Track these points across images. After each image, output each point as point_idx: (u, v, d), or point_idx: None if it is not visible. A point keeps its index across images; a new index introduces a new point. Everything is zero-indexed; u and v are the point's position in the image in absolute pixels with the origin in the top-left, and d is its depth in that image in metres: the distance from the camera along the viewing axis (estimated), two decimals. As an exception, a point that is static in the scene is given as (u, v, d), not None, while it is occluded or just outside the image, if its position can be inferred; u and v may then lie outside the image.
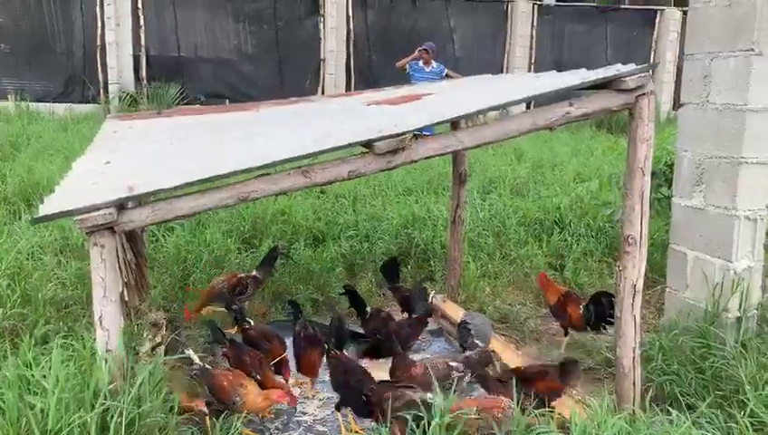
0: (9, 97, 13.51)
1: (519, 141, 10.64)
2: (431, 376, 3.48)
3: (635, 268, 3.35)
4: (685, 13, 17.06)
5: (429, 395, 3.11)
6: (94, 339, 2.89)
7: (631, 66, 3.18)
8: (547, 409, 3.31)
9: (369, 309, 4.38)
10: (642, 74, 3.11)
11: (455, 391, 3.37)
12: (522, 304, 5.37)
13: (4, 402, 2.75)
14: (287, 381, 3.78)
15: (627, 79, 3.11)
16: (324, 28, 15.62)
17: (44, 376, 2.85)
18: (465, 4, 16.57)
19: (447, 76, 9.95)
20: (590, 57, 16.22)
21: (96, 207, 2.66)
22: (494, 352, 4.15)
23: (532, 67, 16.86)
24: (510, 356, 4.23)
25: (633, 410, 3.31)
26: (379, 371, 3.80)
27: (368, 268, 5.77)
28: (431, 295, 4.91)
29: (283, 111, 4.96)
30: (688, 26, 4.36)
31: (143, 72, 14.66)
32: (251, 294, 4.73)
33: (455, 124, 4.19)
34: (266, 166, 2.88)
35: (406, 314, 4.69)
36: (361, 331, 4.36)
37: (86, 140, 9.53)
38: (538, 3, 17.31)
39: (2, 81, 13.90)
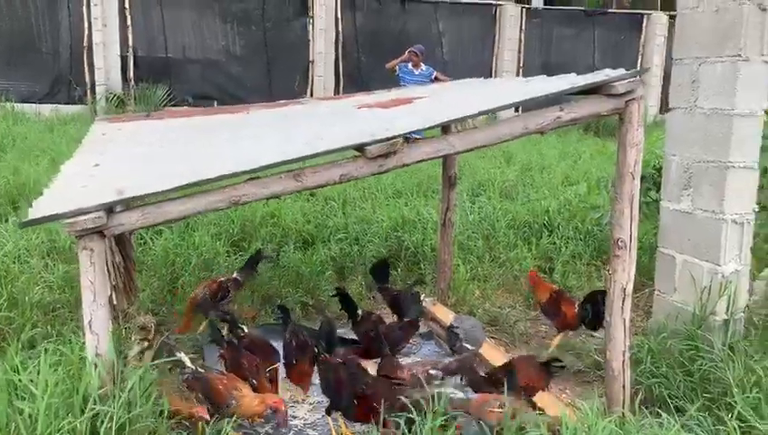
0: (-6, 98, 13.41)
1: (508, 144, 10.65)
2: (418, 379, 3.49)
3: (625, 271, 3.37)
4: (671, 17, 17.28)
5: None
6: (83, 343, 2.87)
7: (621, 71, 3.20)
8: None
9: (360, 312, 4.37)
10: (632, 79, 3.14)
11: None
12: (511, 307, 5.39)
13: (-8, 407, 2.73)
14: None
15: (616, 84, 3.13)
16: (313, 30, 15.60)
17: (32, 381, 2.82)
18: (454, 8, 16.63)
19: (437, 79, 9.97)
20: (577, 61, 16.35)
21: (86, 211, 2.63)
22: (477, 356, 4.16)
23: (521, 70, 16.95)
24: (500, 359, 4.24)
25: (623, 413, 3.33)
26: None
27: (358, 271, 5.76)
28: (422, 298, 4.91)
29: (272, 113, 4.94)
30: (676, 31, 4.40)
31: (131, 73, 14.57)
32: (233, 296, 4.69)
33: (445, 128, 4.21)
34: (258, 169, 2.87)
35: (396, 316, 4.68)
36: (351, 337, 4.36)
37: (73, 142, 9.47)
38: (526, 6, 17.42)
39: (-13, 81, 13.79)
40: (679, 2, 4.34)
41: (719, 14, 4.02)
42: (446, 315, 4.80)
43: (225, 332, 4.28)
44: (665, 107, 12.17)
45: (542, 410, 3.45)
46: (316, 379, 3.81)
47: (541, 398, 3.62)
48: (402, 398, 3.15)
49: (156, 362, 3.23)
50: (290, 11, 15.63)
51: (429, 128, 3.25)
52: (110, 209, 2.77)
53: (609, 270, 3.44)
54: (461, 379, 3.74)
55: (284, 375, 3.85)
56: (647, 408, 3.50)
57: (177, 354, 3.46)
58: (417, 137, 5.37)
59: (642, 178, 4.08)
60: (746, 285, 4.27)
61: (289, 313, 4.04)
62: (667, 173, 4.48)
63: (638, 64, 17.53)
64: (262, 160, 2.89)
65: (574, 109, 3.19)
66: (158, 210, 2.83)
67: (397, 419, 3.03)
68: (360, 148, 3.02)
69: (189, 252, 5.66)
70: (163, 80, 14.50)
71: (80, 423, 2.61)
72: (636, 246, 3.40)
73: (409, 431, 2.94)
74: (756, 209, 4.20)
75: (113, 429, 2.63)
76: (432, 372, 3.75)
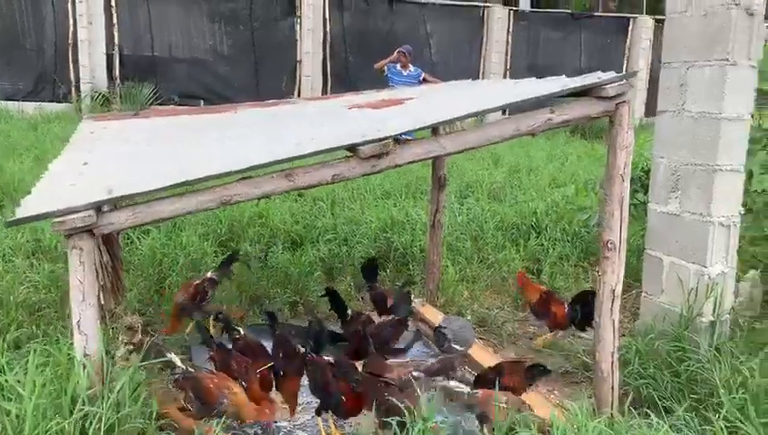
0: (-24, 95, 13.26)
1: (495, 146, 10.72)
2: (406, 379, 3.50)
3: (614, 273, 3.39)
4: (657, 21, 17.45)
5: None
6: (71, 343, 2.84)
7: (611, 74, 3.23)
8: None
9: (349, 312, 4.36)
10: (622, 82, 3.16)
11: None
12: (499, 308, 5.40)
13: (-22, 409, 2.69)
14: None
15: (607, 87, 3.15)
16: (301, 29, 15.57)
17: (19, 381, 2.78)
18: (442, 9, 16.67)
19: (425, 81, 10.01)
20: (564, 63, 16.45)
21: (75, 210, 2.61)
22: (464, 357, 4.17)
23: (508, 73, 17.03)
24: (489, 359, 4.25)
25: (612, 414, 3.35)
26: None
27: (347, 272, 5.75)
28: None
29: (262, 113, 4.92)
30: (665, 35, 4.43)
31: (116, 72, 14.45)
32: (212, 296, 4.67)
33: (435, 130, 4.21)
34: (250, 169, 2.86)
35: (379, 313, 4.67)
36: (340, 331, 4.34)
37: (58, 140, 9.40)
38: (514, 9, 17.49)
39: (-31, 78, 13.63)
40: (668, 6, 4.38)
41: (707, 18, 4.06)
42: (434, 316, 4.81)
43: (214, 332, 4.28)
44: (650, 110, 12.29)
45: (531, 410, 3.47)
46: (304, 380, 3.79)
47: (529, 398, 3.63)
48: (392, 399, 3.14)
49: (145, 362, 3.19)
50: (277, 10, 15.58)
51: (420, 129, 3.25)
52: (98, 208, 2.74)
53: (598, 271, 3.46)
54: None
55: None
56: (635, 409, 3.52)
57: (168, 355, 3.43)
58: (408, 138, 5.37)
59: (630, 180, 4.12)
60: (732, 287, 4.31)
61: (277, 319, 3.99)
62: (654, 175, 4.51)
63: (624, 67, 17.69)
64: (253, 160, 2.88)
65: (565, 111, 3.21)
66: (149, 209, 2.81)
67: (389, 420, 3.02)
68: (352, 148, 3.01)
69: (177, 252, 5.62)
70: (149, 79, 14.40)
71: (68, 424, 2.58)
72: (625, 248, 3.42)
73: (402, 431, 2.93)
74: (742, 212, 4.25)
75: (102, 429, 2.60)
76: (415, 374, 3.76)
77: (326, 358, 3.68)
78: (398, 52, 9.93)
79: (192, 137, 4.02)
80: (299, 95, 15.23)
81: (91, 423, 2.61)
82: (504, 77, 16.70)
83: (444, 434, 3.06)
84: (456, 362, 4.04)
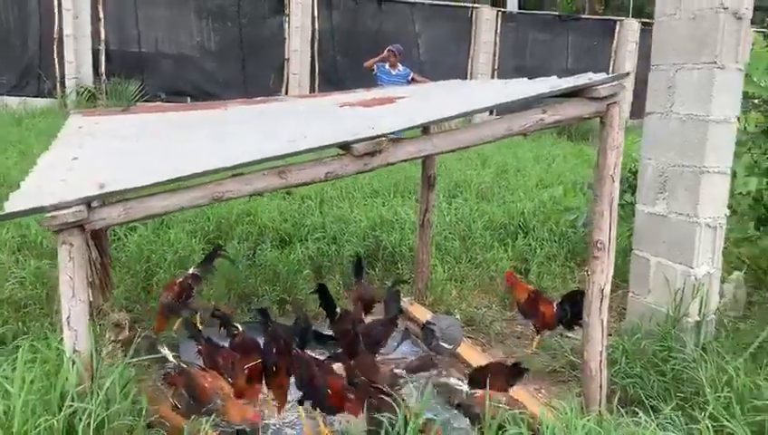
0: (-41, 89, 13.09)
1: (483, 146, 10.76)
2: (394, 377, 3.51)
3: (603, 273, 3.42)
4: (643, 24, 17.60)
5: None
6: (60, 339, 2.81)
7: (603, 75, 3.25)
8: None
9: (338, 310, 4.36)
10: (614, 83, 3.19)
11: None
12: (487, 307, 5.43)
13: (-35, 405, 2.66)
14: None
15: (599, 87, 3.18)
16: (289, 27, 15.53)
17: (7, 378, 2.76)
18: (431, 9, 16.70)
19: (413, 80, 10.03)
20: (551, 65, 16.55)
21: (66, 205, 2.58)
22: (453, 356, 4.19)
23: (495, 73, 17.12)
24: (477, 358, 4.27)
25: (600, 412, 3.38)
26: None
27: (335, 270, 5.74)
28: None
29: (252, 110, 4.90)
30: (654, 38, 4.47)
31: (102, 67, 14.32)
32: (196, 292, 4.65)
33: (425, 128, 4.22)
34: (242, 166, 2.85)
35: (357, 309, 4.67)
36: (328, 332, 4.35)
37: (43, 135, 9.29)
38: (502, 10, 17.57)
39: (-49, 72, 13.45)
40: (657, 9, 4.42)
41: (696, 21, 4.11)
42: (423, 315, 4.82)
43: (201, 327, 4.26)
44: (636, 112, 12.39)
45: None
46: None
47: (518, 396, 3.65)
48: (383, 396, 3.15)
49: (134, 359, 3.16)
50: (266, 8, 15.54)
51: (410, 128, 3.26)
52: (88, 204, 2.72)
53: (587, 271, 3.49)
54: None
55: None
56: (622, 407, 3.55)
57: (161, 349, 3.42)
58: (396, 137, 5.37)
59: (618, 180, 4.16)
60: (717, 288, 4.36)
61: (269, 316, 3.98)
62: (642, 177, 4.55)
63: (611, 70, 17.82)
64: (245, 157, 2.87)
65: (558, 111, 3.23)
66: (141, 205, 2.79)
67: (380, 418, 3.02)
68: (345, 146, 3.01)
69: (164, 249, 5.59)
70: (136, 75, 14.29)
71: (57, 421, 2.55)
72: (614, 248, 3.45)
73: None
74: (728, 214, 4.30)
75: (91, 426, 2.58)
76: (397, 371, 3.77)
77: (311, 354, 3.68)
78: (389, 50, 9.96)
79: (183, 133, 4.00)
80: (287, 93, 15.19)
81: (80, 420, 2.59)
82: (492, 78, 16.78)
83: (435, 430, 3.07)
84: (437, 360, 4.06)
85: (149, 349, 3.54)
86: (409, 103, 4.10)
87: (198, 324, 4.35)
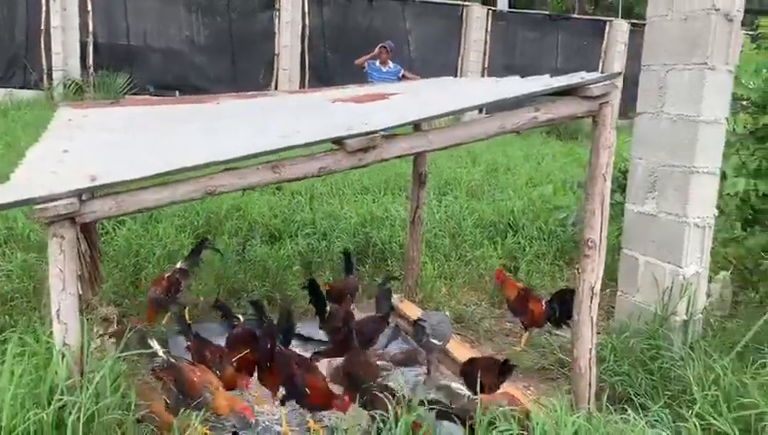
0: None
1: (473, 145, 10.78)
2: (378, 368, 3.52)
3: (593, 271, 3.43)
4: (633, 25, 17.69)
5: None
6: (49, 332, 2.79)
7: (596, 74, 3.26)
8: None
9: (329, 308, 4.35)
10: (607, 82, 3.20)
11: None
12: (477, 305, 5.45)
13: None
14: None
15: (592, 87, 3.19)
16: (279, 22, 15.48)
17: (-5, 371, 2.73)
18: (422, 7, 16.71)
19: (404, 77, 10.03)
20: (541, 64, 16.60)
21: (58, 197, 2.56)
22: (443, 351, 4.20)
23: (485, 71, 17.16)
24: (466, 355, 4.28)
25: (589, 409, 3.40)
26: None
27: (325, 267, 5.74)
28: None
29: (244, 104, 4.88)
30: (645, 38, 4.50)
31: (90, 60, 14.19)
32: (185, 286, 4.63)
33: (417, 125, 4.22)
34: (235, 159, 2.83)
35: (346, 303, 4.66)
36: (308, 335, 4.41)
37: (30, 127, 9.20)
38: (492, 9, 17.61)
39: (-64, 62, 13.28)
40: (649, 9, 4.44)
41: (687, 22, 4.13)
42: (414, 312, 4.82)
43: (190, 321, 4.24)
44: (625, 112, 12.45)
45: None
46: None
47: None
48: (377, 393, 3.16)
49: (126, 353, 3.15)
50: (256, 2, 15.48)
51: (402, 124, 3.24)
52: (79, 196, 2.69)
53: (578, 269, 3.50)
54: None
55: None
56: (611, 405, 3.58)
57: (151, 342, 3.39)
58: (389, 133, 5.37)
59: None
60: (705, 287, 4.40)
61: (263, 310, 3.96)
62: (632, 176, 4.58)
63: (600, 69, 17.92)
64: (238, 151, 2.85)
65: (551, 109, 3.23)
66: (133, 198, 2.76)
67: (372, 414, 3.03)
68: (339, 141, 3.00)
69: (153, 243, 5.56)
70: (124, 68, 14.20)
71: (46, 414, 2.53)
72: (605, 247, 3.47)
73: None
74: (716, 214, 4.34)
75: (81, 420, 2.56)
76: (380, 363, 3.78)
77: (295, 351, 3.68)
78: (381, 47, 9.95)
79: (175, 127, 3.97)
80: (276, 88, 15.14)
81: (69, 414, 2.56)
82: (482, 76, 16.81)
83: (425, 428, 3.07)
84: (421, 355, 4.07)
85: (140, 343, 3.51)
86: (403, 100, 4.10)
87: (187, 319, 4.33)
